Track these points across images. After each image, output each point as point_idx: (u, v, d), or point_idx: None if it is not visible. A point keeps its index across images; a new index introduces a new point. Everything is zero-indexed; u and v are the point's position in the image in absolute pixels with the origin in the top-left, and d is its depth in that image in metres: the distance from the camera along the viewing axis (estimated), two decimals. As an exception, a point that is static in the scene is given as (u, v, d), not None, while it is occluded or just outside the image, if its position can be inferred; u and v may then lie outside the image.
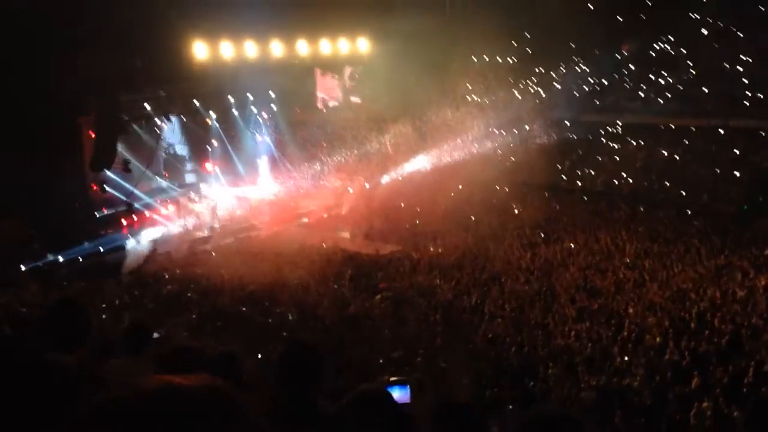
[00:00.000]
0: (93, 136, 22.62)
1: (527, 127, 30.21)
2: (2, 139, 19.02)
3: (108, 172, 23.13)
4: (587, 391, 10.27)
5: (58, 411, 1.70)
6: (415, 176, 28.25)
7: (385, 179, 28.51)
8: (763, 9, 32.14)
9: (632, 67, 33.24)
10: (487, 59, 35.15)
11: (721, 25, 32.86)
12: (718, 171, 26.27)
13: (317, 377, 3.29)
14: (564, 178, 27.78)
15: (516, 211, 24.44)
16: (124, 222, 23.65)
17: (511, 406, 9.56)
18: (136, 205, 23.94)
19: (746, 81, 30.29)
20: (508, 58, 35.00)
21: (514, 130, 30.19)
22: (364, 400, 2.42)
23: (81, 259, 21.29)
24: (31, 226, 21.84)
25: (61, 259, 20.97)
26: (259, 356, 11.24)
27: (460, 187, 26.61)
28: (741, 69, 30.64)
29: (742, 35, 32.60)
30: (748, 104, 29.52)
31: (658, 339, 12.40)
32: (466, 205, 24.81)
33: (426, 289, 17.10)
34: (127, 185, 23.73)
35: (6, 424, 1.58)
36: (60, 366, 1.77)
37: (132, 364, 4.20)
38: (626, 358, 11.51)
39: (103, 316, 14.87)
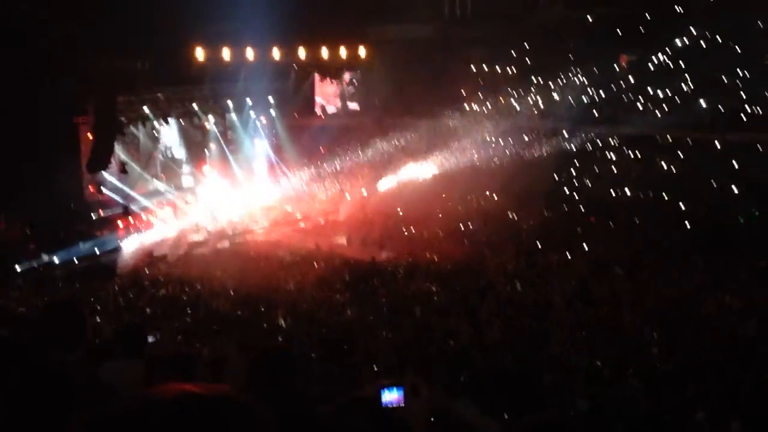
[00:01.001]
0: (90, 137, 22.59)
1: (525, 137, 30.27)
2: (-1, 138, 18.98)
3: (105, 174, 23.10)
4: (582, 400, 10.25)
5: (59, 411, 1.68)
6: (412, 183, 28.28)
7: (383, 186, 28.51)
8: (761, 24, 32.34)
9: (630, 79, 33.35)
10: (486, 68, 35.25)
11: (719, 39, 33.02)
12: (715, 184, 26.33)
13: (289, 383, 3.28)
14: (561, 188, 27.79)
15: (513, 220, 24.45)
16: (120, 224, 23.61)
17: (506, 414, 9.53)
18: (133, 207, 23.90)
19: (743, 95, 30.42)
20: (507, 68, 35.11)
21: (512, 140, 30.24)
22: (357, 405, 2.40)
23: (76, 261, 21.22)
24: (26, 226, 21.80)
25: (56, 260, 20.91)
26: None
27: (458, 195, 26.64)
28: (738, 83, 30.77)
29: (739, 50, 32.76)
30: (745, 118, 29.63)
31: (654, 349, 12.39)
32: (463, 213, 24.86)
33: (422, 295, 17.08)
34: (123, 187, 23.70)
35: (7, 424, 1.56)
36: (59, 366, 1.76)
37: (128, 367, 4.18)
38: (622, 367, 11.48)
39: (98, 319, 14.82)
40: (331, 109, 32.97)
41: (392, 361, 12.20)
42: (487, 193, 26.60)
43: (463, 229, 23.56)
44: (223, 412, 1.02)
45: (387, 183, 28.63)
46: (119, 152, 23.52)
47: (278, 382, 3.21)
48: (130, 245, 22.41)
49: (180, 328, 15.10)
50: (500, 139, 30.46)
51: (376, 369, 11.85)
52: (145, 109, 24.47)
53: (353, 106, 33.84)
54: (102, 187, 22.98)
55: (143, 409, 1.00)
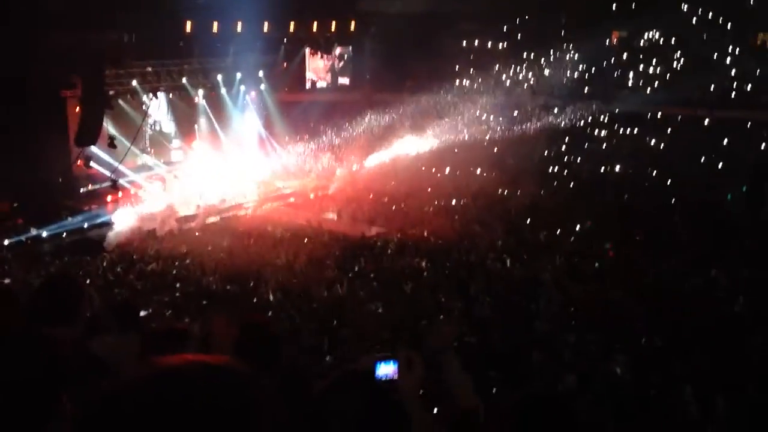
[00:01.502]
0: (78, 110, 22.37)
1: (515, 113, 30.25)
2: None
3: (93, 148, 22.92)
4: (570, 376, 10.35)
5: (50, 386, 1.68)
6: (402, 159, 28.24)
7: (373, 161, 28.46)
8: (751, 1, 32.31)
9: (621, 56, 33.31)
10: (477, 43, 35.10)
11: (710, 16, 32.98)
12: (704, 160, 26.45)
13: (273, 357, 3.31)
14: (551, 164, 27.84)
15: (503, 196, 24.50)
16: (108, 198, 23.49)
17: (495, 389, 9.61)
18: (121, 181, 23.77)
19: (733, 73, 30.48)
20: (499, 43, 34.98)
21: (502, 116, 30.21)
22: (350, 378, 2.41)
23: (64, 235, 21.12)
24: (13, 200, 21.66)
25: (44, 234, 20.80)
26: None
27: (447, 170, 26.64)
28: (728, 60, 30.81)
29: (730, 26, 32.75)
30: (734, 96, 29.72)
31: (641, 324, 12.50)
32: (453, 189, 24.87)
33: (412, 271, 17.14)
34: (112, 161, 23.54)
35: (4, 398, 1.56)
36: (48, 340, 1.75)
37: (120, 341, 4.17)
38: (609, 343, 11.59)
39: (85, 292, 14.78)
40: (321, 84, 32.78)
41: (382, 336, 12.26)
42: (478, 169, 26.61)
43: (453, 205, 23.59)
44: (232, 381, 1.03)
45: (378, 158, 28.58)
46: (108, 126, 23.31)
47: (262, 356, 3.22)
48: (119, 219, 22.30)
49: (169, 302, 15.09)
50: (491, 116, 30.42)
51: (365, 342, 11.91)
52: (134, 82, 24.25)
53: (344, 80, 33.66)
54: (90, 161, 22.81)
55: (154, 377, 1.01)
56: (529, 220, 21.61)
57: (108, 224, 22.04)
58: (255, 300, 15.34)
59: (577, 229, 20.28)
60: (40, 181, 21.07)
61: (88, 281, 15.97)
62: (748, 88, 29.81)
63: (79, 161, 22.92)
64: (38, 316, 3.17)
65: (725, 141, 27.10)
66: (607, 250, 18.27)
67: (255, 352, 3.23)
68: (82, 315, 3.39)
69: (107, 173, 23.26)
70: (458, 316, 13.37)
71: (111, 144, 23.18)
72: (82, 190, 23.45)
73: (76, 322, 3.27)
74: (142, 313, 8.62)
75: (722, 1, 32.90)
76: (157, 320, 12.29)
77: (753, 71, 30.36)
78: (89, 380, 1.65)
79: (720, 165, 25.79)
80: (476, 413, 2.48)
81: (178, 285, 16.54)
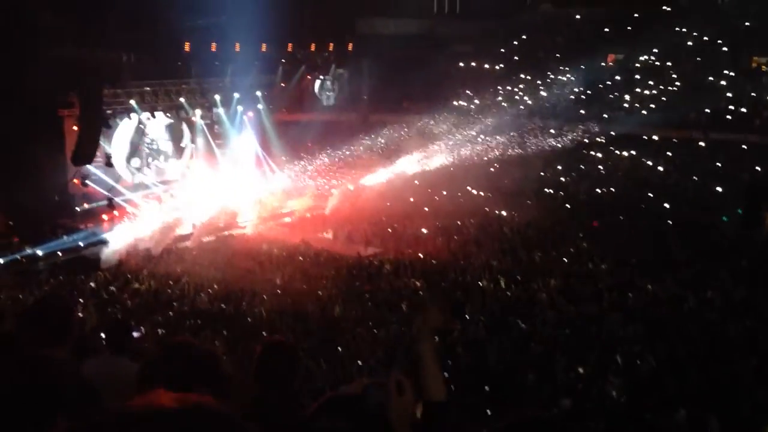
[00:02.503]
0: (76, 129, 22.42)
1: (512, 134, 30.37)
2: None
3: (90, 167, 22.95)
4: (564, 398, 10.32)
5: (45, 409, 1.68)
6: (398, 179, 28.28)
7: (370, 181, 28.51)
8: (747, 24, 32.66)
9: (617, 78, 33.54)
10: (474, 65, 35.35)
11: (705, 39, 33.31)
12: (699, 182, 26.55)
13: (294, 376, 3.36)
14: (547, 185, 27.90)
15: (498, 217, 24.53)
16: (104, 217, 23.47)
17: (489, 411, 9.59)
18: (117, 200, 23.77)
19: (729, 95, 30.71)
20: (495, 65, 35.23)
21: (499, 137, 30.33)
22: (339, 403, 2.41)
23: (60, 254, 21.06)
24: (9, 218, 21.62)
25: (39, 252, 20.74)
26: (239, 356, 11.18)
27: (444, 191, 26.68)
28: (723, 83, 31.06)
29: (725, 50, 33.07)
30: (729, 117, 29.92)
31: (635, 346, 12.49)
32: (449, 209, 24.89)
33: (407, 291, 17.12)
34: (109, 180, 23.55)
35: None
36: (47, 362, 1.75)
37: (112, 363, 4.16)
38: (604, 365, 11.57)
39: (80, 313, 14.73)
40: (318, 104, 32.91)
41: (378, 357, 12.23)
42: (474, 190, 26.66)
43: (449, 225, 23.60)
44: (199, 428, 1.02)
45: (374, 178, 28.63)
46: (105, 145, 23.36)
47: (284, 378, 3.31)
48: (115, 238, 22.27)
49: (163, 322, 15.04)
50: (487, 136, 30.55)
51: (360, 364, 11.88)
52: (132, 102, 24.33)
53: (341, 101, 33.81)
54: (87, 180, 22.82)
55: (115, 425, 1.00)
56: (525, 240, 21.63)
57: (104, 243, 22.00)
58: (250, 320, 15.30)
59: (572, 250, 20.30)
60: (36, 200, 21.05)
61: (81, 301, 15.93)
62: (743, 111, 30.04)
63: (75, 180, 22.93)
64: (28, 337, 3.16)
65: (720, 163, 27.22)
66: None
67: (276, 372, 3.31)
68: (73, 336, 3.39)
69: (104, 192, 23.27)
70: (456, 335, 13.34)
71: (108, 163, 23.22)
72: (78, 208, 23.43)
73: (66, 344, 3.26)
74: (137, 334, 8.61)
75: (719, 25, 33.28)
76: (150, 341, 12.26)
77: (747, 94, 30.62)
78: (78, 407, 1.65)
79: (715, 186, 25.87)
80: (444, 406, 2.48)
81: (173, 304, 16.50)
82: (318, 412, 2.42)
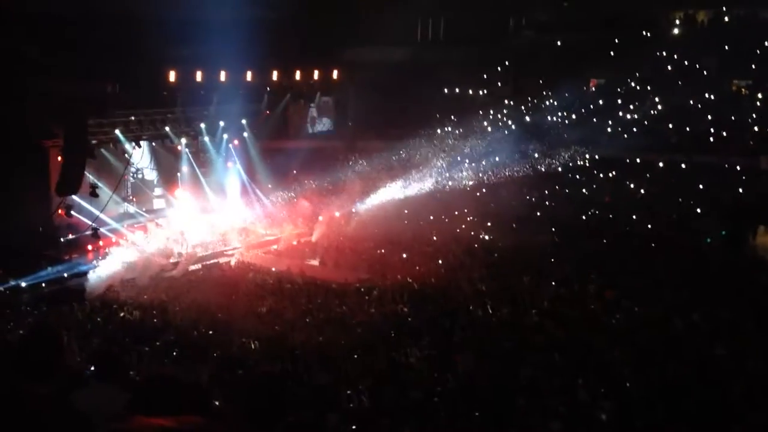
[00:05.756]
0: (60, 159, 22.33)
1: (497, 159, 30.58)
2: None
3: (75, 197, 22.82)
4: (555, 422, 10.30)
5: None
6: (385, 205, 28.32)
7: (356, 208, 28.54)
8: (727, 48, 33.27)
9: (600, 102, 33.96)
10: (457, 91, 35.70)
11: (686, 63, 33.88)
12: (683, 204, 26.80)
13: (284, 409, 3.32)
14: (533, 209, 28.05)
15: (485, 241, 24.58)
16: (89, 247, 23.29)
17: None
18: (102, 230, 23.61)
19: (710, 118, 31.18)
20: (479, 91, 35.60)
21: (484, 162, 30.54)
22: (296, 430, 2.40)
23: (44, 285, 20.85)
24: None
25: (23, 284, 20.52)
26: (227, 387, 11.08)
27: (431, 217, 26.75)
28: (705, 107, 31.56)
29: (705, 73, 33.63)
30: (711, 140, 30.34)
31: (625, 369, 12.50)
32: (436, 235, 24.95)
33: (394, 318, 17.07)
34: (93, 210, 23.41)
35: None
36: (37, 397, 1.74)
37: (102, 394, 4.11)
38: (594, 389, 11.57)
39: (65, 344, 14.57)
40: (304, 131, 33.00)
41: (365, 384, 12.16)
42: (460, 214, 26.76)
43: (436, 250, 23.62)
44: None
45: (360, 205, 28.66)
46: (89, 175, 23.25)
47: (276, 408, 3.30)
48: (100, 269, 22.10)
49: (149, 351, 14.90)
50: (472, 162, 30.75)
51: (349, 393, 11.80)
52: (117, 131, 24.28)
53: (327, 128, 33.93)
54: (71, 210, 22.67)
55: None
56: (511, 264, 21.67)
57: (88, 273, 21.81)
58: (236, 349, 15.19)
59: (559, 273, 20.35)
60: (20, 231, 20.88)
61: (67, 332, 15.76)
62: (724, 134, 30.48)
63: (60, 210, 22.78)
64: (18, 372, 3.13)
65: (702, 185, 27.53)
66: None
67: (267, 402, 3.31)
68: (62, 369, 3.36)
69: (88, 222, 23.12)
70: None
71: (93, 193, 23.09)
72: (62, 239, 23.24)
73: (56, 376, 3.23)
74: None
75: (699, 49, 33.89)
76: (138, 370, 12.14)
77: (729, 117, 31.09)
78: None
79: (698, 209, 26.13)
80: None
81: (158, 334, 16.36)
82: None
